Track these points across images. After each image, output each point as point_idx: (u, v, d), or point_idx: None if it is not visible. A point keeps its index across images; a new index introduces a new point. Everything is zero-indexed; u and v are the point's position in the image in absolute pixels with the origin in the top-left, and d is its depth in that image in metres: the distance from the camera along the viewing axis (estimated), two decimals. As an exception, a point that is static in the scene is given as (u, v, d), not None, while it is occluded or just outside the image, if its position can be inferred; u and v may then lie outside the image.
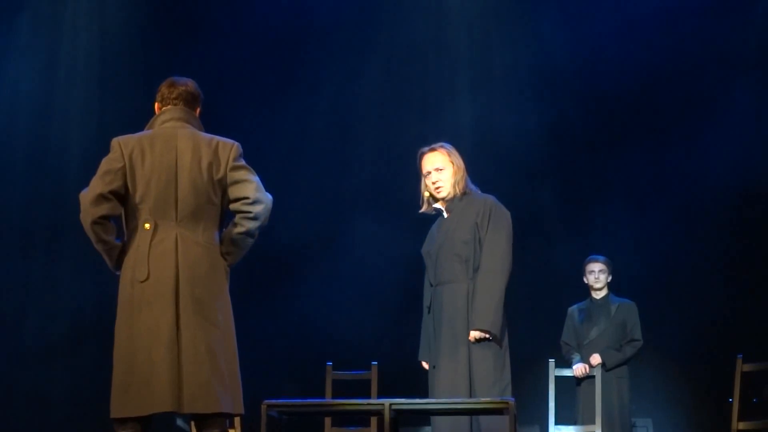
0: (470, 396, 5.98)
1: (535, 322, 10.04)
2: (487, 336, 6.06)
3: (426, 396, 6.20)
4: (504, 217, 6.27)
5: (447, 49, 10.72)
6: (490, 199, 6.34)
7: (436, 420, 6.11)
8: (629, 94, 10.43)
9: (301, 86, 10.54)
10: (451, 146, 6.42)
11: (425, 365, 6.39)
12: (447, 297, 6.21)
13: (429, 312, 6.32)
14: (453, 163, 6.33)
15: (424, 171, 6.39)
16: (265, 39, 10.48)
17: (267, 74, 10.53)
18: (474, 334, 6.05)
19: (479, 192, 6.40)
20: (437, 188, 6.35)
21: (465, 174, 6.36)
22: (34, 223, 10.13)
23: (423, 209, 6.49)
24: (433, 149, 6.39)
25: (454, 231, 6.27)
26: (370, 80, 10.63)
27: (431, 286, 6.34)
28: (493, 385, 6.03)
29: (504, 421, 5.28)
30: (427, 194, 6.42)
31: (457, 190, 6.32)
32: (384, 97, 10.62)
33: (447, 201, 6.37)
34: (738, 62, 10.30)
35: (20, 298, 9.97)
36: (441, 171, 6.33)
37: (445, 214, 6.38)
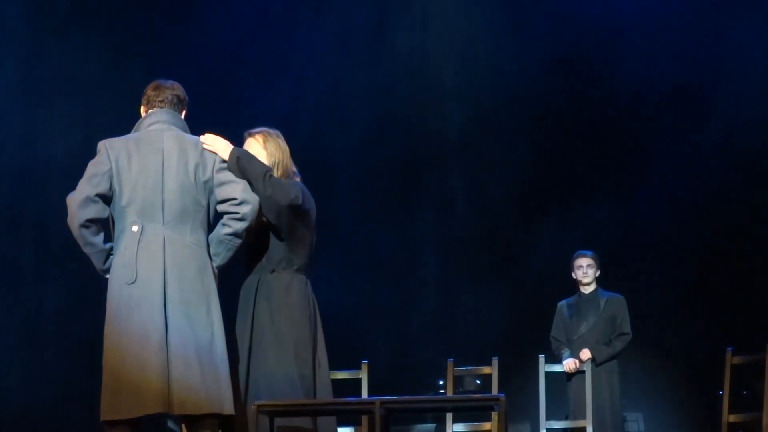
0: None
1: (524, 318, 10.05)
2: None
3: (416, 393, 6.18)
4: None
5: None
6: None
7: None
8: (615, 94, 10.47)
9: (285, 85, 10.53)
10: (274, 132, 5.88)
11: None
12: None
13: None
14: (266, 150, 5.80)
15: None
16: (252, 40, 10.49)
17: (252, 73, 10.52)
18: None
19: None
20: None
21: (281, 162, 5.80)
22: (19, 226, 10.09)
23: None
24: (250, 134, 5.84)
25: None
26: (356, 87, 10.63)
27: None
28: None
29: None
30: None
31: None
32: (369, 103, 10.61)
33: None
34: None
35: (7, 302, 9.95)
36: None
37: None
